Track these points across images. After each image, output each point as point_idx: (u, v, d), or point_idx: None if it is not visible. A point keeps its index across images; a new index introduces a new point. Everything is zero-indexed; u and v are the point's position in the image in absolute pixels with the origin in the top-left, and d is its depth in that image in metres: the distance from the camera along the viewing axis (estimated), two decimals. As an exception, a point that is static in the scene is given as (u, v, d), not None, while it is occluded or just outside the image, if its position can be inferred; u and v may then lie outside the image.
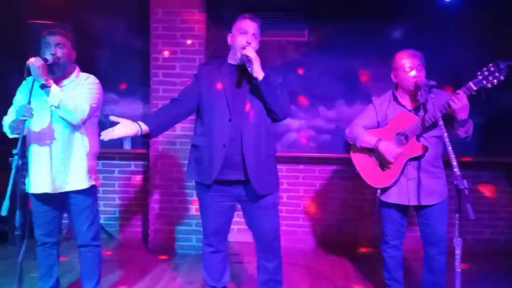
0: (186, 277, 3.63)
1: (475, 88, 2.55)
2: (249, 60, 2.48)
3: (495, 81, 2.51)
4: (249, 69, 2.50)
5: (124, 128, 2.41)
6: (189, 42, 4.20)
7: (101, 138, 2.38)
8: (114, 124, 2.41)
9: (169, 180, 4.29)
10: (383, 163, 2.89)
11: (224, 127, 2.56)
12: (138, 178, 4.71)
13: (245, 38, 2.57)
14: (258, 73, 2.49)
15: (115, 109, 4.63)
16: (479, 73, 2.55)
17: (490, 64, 2.51)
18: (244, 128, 2.56)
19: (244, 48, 2.53)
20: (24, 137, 2.60)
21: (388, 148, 2.83)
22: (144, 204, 4.57)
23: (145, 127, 2.48)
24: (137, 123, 2.46)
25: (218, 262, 2.83)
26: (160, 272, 3.73)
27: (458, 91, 2.59)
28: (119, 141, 4.62)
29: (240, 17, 2.65)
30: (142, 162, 4.66)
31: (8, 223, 4.15)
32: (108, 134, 2.37)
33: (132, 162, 4.70)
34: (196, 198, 2.93)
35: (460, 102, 2.56)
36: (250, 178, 2.56)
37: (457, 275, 2.24)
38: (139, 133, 2.46)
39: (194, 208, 4.24)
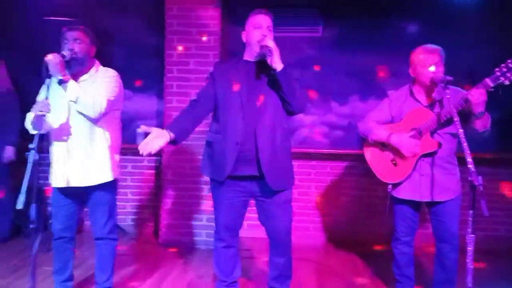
0: (197, 271, 3.65)
1: (491, 85, 2.50)
2: (269, 50, 2.46)
3: None
4: (268, 59, 2.48)
5: (159, 139, 2.42)
6: (204, 38, 4.21)
7: (140, 153, 2.36)
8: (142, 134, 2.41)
9: (181, 175, 4.31)
10: (396, 159, 2.87)
11: (238, 125, 2.57)
12: (150, 174, 4.73)
13: (260, 32, 2.57)
14: (277, 63, 2.48)
15: (130, 105, 4.64)
16: (496, 69, 2.50)
17: (509, 61, 2.46)
18: (259, 124, 2.55)
19: (262, 40, 2.53)
20: (44, 133, 2.63)
21: (402, 141, 2.78)
22: (156, 199, 4.60)
23: (171, 134, 2.49)
24: (165, 130, 2.48)
25: (229, 257, 2.84)
26: (171, 266, 3.75)
27: (474, 87, 2.54)
28: (132, 136, 4.65)
29: (252, 13, 2.65)
30: (154, 158, 4.67)
31: (22, 217, 4.19)
32: (147, 148, 2.36)
33: (145, 158, 4.72)
34: (207, 194, 2.95)
35: (480, 97, 2.51)
36: (264, 174, 2.56)
37: (469, 272, 2.23)
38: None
39: (205, 204, 4.26)
